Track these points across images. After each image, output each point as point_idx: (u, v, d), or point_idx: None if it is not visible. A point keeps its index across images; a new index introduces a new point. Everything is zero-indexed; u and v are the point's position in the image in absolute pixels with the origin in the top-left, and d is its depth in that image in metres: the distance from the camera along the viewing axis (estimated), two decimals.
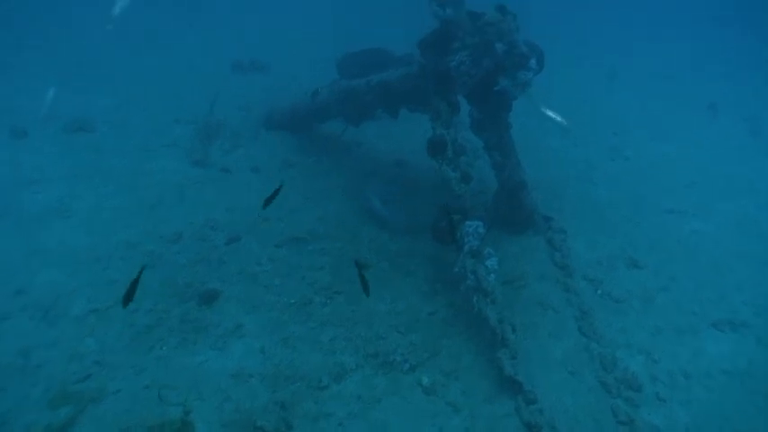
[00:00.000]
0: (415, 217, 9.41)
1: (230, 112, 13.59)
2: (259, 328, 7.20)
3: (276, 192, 5.73)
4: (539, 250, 8.95)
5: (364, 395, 6.41)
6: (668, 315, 7.73)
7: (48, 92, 12.71)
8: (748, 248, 9.48)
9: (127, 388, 6.18)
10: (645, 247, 9.20)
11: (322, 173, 11.04)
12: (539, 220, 9.32)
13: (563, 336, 7.29)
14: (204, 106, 13.16)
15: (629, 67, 20.35)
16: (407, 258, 8.60)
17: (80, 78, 14.78)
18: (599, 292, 8.09)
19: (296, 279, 8.08)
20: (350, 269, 8.31)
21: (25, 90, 13.35)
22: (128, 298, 5.19)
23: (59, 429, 5.67)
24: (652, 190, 11.06)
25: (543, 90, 9.79)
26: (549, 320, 7.53)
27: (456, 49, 8.37)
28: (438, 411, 6.28)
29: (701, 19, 30.49)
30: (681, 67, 20.63)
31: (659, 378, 6.80)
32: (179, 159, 11.09)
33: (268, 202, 5.75)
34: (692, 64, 21.05)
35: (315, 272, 8.27)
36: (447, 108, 8.52)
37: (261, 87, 15.39)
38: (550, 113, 9.85)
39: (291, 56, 17.95)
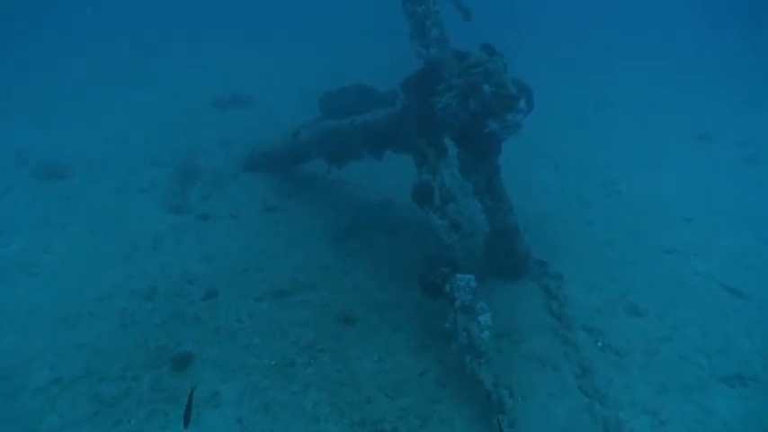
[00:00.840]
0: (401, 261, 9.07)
1: (211, 150, 13.17)
2: (237, 395, 6.67)
3: (190, 400, 5.24)
4: (534, 298, 8.49)
5: None
6: (673, 369, 7.27)
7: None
8: (752, 287, 9.04)
9: None
10: (645, 291, 8.76)
11: (304, 215, 10.59)
12: (533, 266, 8.88)
13: (563, 396, 6.79)
14: (184, 145, 12.84)
15: (620, 87, 20.12)
16: (395, 310, 8.13)
17: (56, 116, 14.38)
18: (599, 344, 7.63)
19: (277, 337, 7.58)
20: (334, 324, 7.86)
21: None
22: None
23: None
24: (649, 227, 10.65)
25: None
26: (547, 378, 7.04)
27: (442, 90, 7.99)
28: None
29: (698, 22, 30.39)
30: (672, 86, 20.43)
31: None
32: (156, 205, 10.61)
33: (186, 417, 5.18)
34: (682, 83, 20.84)
35: (297, 328, 7.78)
36: (433, 152, 8.15)
37: (243, 124, 14.97)
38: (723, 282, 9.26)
39: (276, 89, 17.58)
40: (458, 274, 7.11)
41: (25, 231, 9.47)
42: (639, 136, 15.51)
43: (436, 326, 7.40)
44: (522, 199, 10.34)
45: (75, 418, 6.24)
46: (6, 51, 19.51)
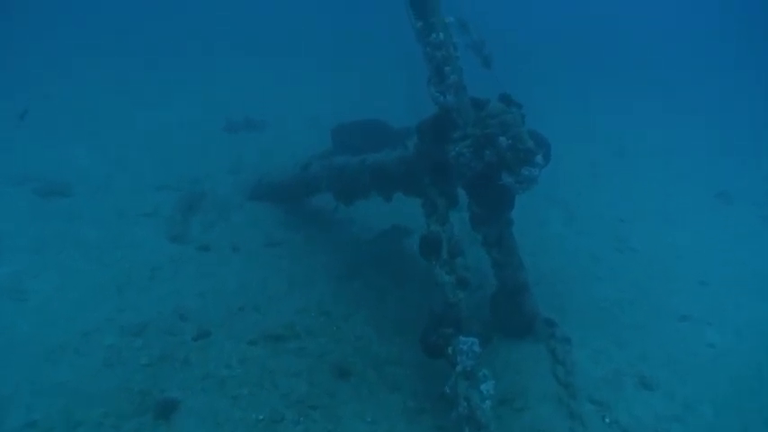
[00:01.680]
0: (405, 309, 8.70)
1: (218, 176, 12.95)
2: None
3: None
4: (540, 361, 8.08)
5: None
6: None
7: None
8: None
9: None
10: (655, 362, 8.31)
11: (308, 253, 10.27)
12: (540, 326, 8.49)
13: None
14: (192, 170, 12.64)
15: (636, 136, 19.85)
16: (395, 367, 7.73)
17: (59, 133, 14.18)
18: (606, 420, 7.18)
19: (268, 388, 7.19)
20: (329, 377, 7.49)
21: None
22: None
23: None
24: (662, 289, 10.21)
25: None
26: None
27: (457, 138, 7.72)
28: None
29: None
30: (689, 144, 20.01)
31: None
32: (156, 232, 10.32)
33: None
34: (699, 142, 20.41)
35: (290, 378, 7.39)
36: (444, 202, 7.84)
37: (254, 150, 14.76)
38: None
39: (289, 116, 17.42)
40: (461, 337, 6.74)
41: (19, 253, 9.20)
42: (655, 188, 15.18)
43: (436, 388, 7.00)
44: (534, 251, 10.03)
45: None
46: (7, 60, 19.40)
